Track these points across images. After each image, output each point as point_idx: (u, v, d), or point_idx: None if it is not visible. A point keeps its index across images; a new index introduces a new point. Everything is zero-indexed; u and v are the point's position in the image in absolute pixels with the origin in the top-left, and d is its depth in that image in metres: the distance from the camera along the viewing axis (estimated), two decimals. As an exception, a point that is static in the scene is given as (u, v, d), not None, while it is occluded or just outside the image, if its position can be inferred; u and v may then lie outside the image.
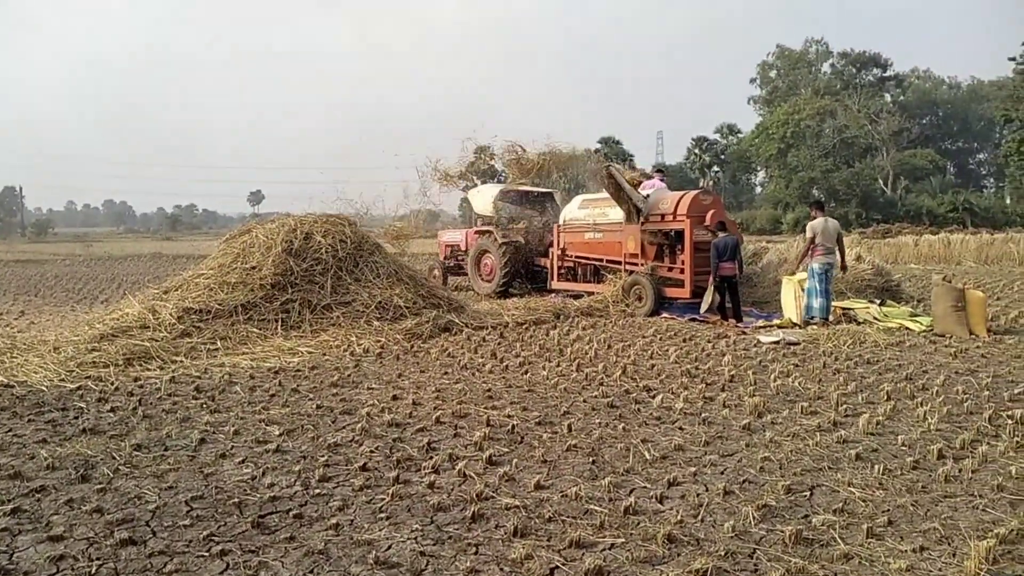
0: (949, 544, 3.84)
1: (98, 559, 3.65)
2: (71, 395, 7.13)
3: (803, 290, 11.47)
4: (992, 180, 77.25)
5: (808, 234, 11.44)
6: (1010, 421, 6.00)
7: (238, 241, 11.38)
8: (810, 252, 11.32)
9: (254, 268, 10.61)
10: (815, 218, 11.56)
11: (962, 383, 7.43)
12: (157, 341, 8.98)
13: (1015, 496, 4.47)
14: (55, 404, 6.78)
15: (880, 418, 6.12)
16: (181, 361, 8.56)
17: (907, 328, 10.84)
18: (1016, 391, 7.07)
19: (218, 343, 9.22)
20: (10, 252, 41.80)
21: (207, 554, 3.71)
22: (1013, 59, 55.72)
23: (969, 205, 53.06)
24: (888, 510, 4.26)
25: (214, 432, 5.84)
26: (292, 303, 10.37)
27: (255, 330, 9.75)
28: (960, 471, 4.88)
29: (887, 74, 71.29)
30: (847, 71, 71.28)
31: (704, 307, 12.22)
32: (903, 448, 5.41)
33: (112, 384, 7.55)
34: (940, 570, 3.56)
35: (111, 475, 4.85)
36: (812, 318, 11.23)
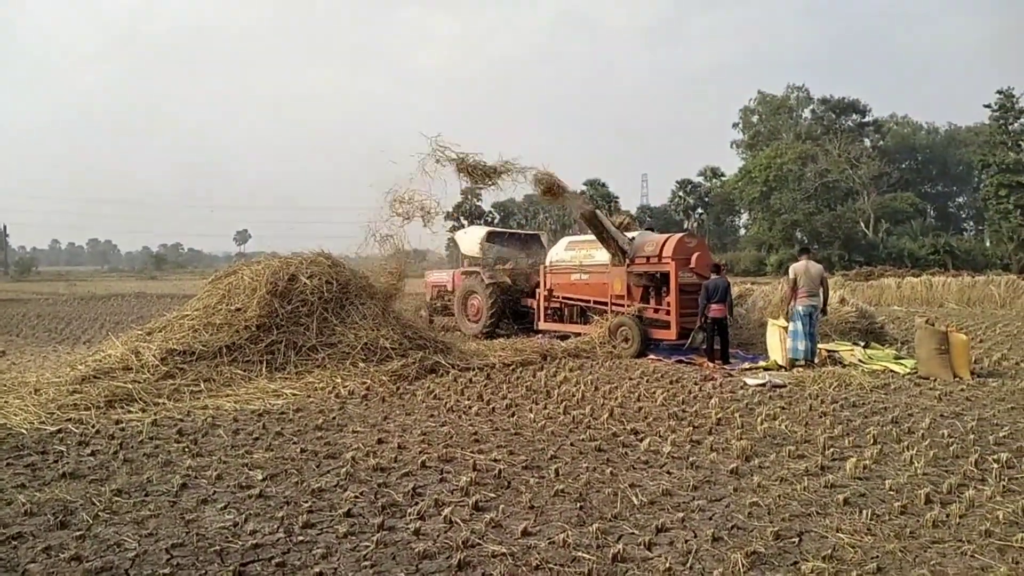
0: (939, 591, 3.82)
1: (75, 610, 3.57)
2: (51, 438, 7.01)
3: (788, 332, 11.53)
4: (972, 223, 78.46)
5: (790, 275, 11.55)
6: (996, 465, 6.02)
7: (223, 282, 11.33)
8: (794, 295, 11.41)
9: (239, 310, 10.55)
10: (798, 261, 11.68)
11: (947, 426, 7.45)
12: (139, 383, 8.87)
13: (1003, 541, 4.46)
14: (35, 447, 6.66)
15: (867, 462, 6.12)
16: (164, 403, 8.45)
17: (892, 371, 10.89)
18: (1001, 434, 7.10)
19: (201, 385, 9.12)
20: (-8, 291, 41.41)
21: (187, 604, 3.63)
22: (988, 106, 57.13)
23: (950, 248, 53.85)
24: (877, 556, 4.24)
25: (196, 477, 5.75)
26: (277, 344, 10.31)
27: (239, 371, 9.67)
28: (948, 516, 4.87)
29: (866, 119, 72.68)
30: (827, 116, 72.60)
31: (687, 344, 12.33)
32: (891, 493, 5.40)
33: (93, 427, 7.43)
34: (930, 618, 3.53)
35: (90, 521, 4.76)
36: (797, 360, 11.28)
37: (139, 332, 10.63)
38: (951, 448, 6.61)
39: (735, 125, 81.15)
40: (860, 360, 11.53)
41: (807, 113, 76.07)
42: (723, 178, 76.02)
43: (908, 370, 10.79)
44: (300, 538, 4.48)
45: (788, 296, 11.64)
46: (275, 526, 4.67)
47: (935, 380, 10.11)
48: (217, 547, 4.31)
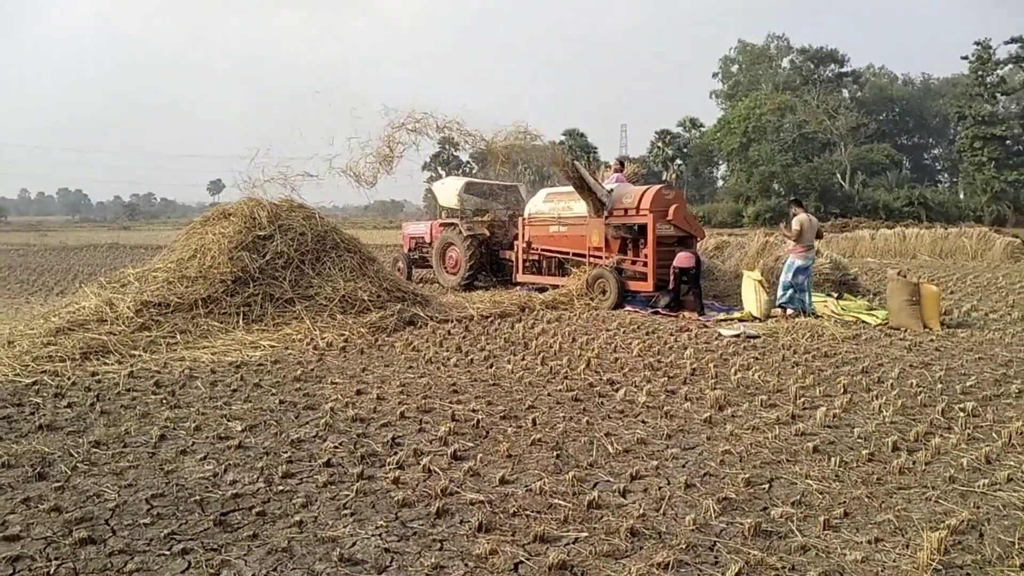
0: (903, 535, 3.95)
1: (57, 559, 3.60)
2: (27, 390, 6.97)
3: (762, 286, 11.66)
4: (946, 175, 79.09)
5: (795, 227, 11.54)
6: (962, 414, 6.18)
7: (195, 237, 11.17)
8: (795, 246, 11.49)
9: (212, 264, 10.43)
10: (796, 214, 11.69)
11: (916, 376, 7.62)
12: (115, 335, 8.81)
13: (966, 487, 4.61)
14: (10, 400, 6.62)
15: (837, 411, 6.26)
16: (140, 355, 8.42)
17: (863, 322, 11.07)
18: (968, 384, 7.27)
19: (178, 337, 9.08)
20: (-40, 242, 40.68)
21: (168, 553, 3.67)
22: (966, 58, 57.28)
23: (924, 200, 54.41)
24: (844, 502, 4.37)
25: (174, 428, 5.76)
26: (254, 297, 10.24)
27: (216, 324, 9.62)
28: (914, 463, 5.02)
29: (844, 70, 72.44)
30: (806, 67, 72.26)
31: (652, 301, 12.66)
32: (859, 440, 5.53)
33: (69, 379, 7.39)
34: (894, 561, 3.66)
35: (69, 473, 4.76)
36: (798, 311, 11.38)
37: (113, 284, 10.52)
38: (919, 397, 6.77)
39: (715, 75, 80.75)
40: (833, 311, 11.71)
41: (786, 63, 75.69)
42: (702, 129, 75.75)
43: (880, 321, 10.98)
44: (280, 487, 4.52)
45: (792, 247, 11.65)
46: (255, 476, 4.71)
47: (906, 331, 10.29)
48: (197, 497, 4.35)
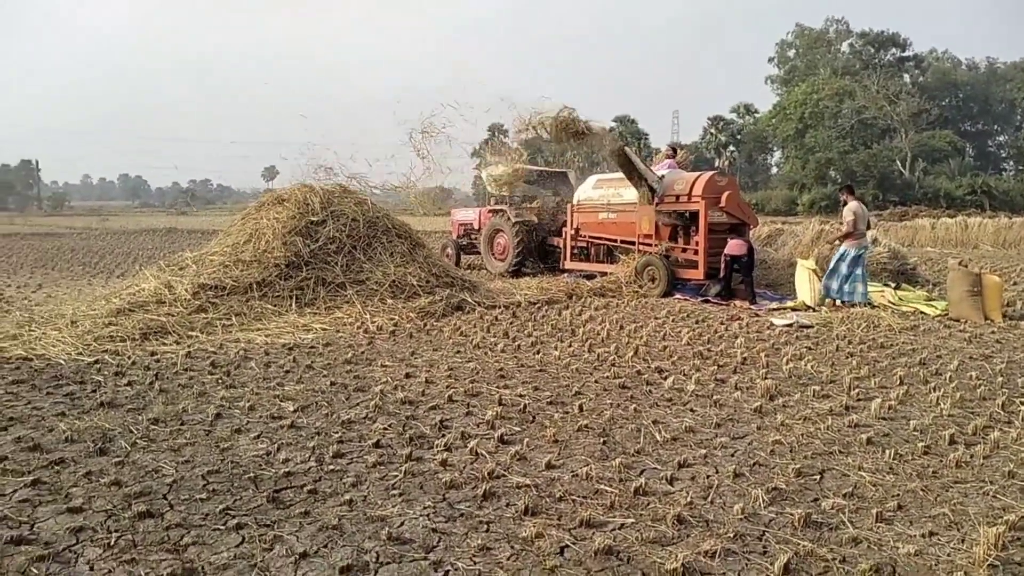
0: (958, 530, 3.85)
1: (116, 531, 3.72)
2: (88, 368, 7.22)
3: (817, 276, 11.43)
4: (1012, 163, 76.17)
5: (849, 217, 11.28)
6: (1023, 407, 5.98)
7: (250, 222, 11.41)
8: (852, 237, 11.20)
9: (266, 249, 10.64)
10: (847, 202, 11.42)
11: (976, 368, 7.40)
12: (173, 316, 9.06)
13: (1026, 483, 4.47)
14: (73, 377, 6.87)
15: (892, 403, 6.12)
16: (197, 336, 8.64)
17: (922, 312, 10.79)
18: (1030, 377, 7.04)
19: (233, 319, 9.29)
20: (27, 225, 42.24)
21: (223, 527, 3.77)
22: (1036, 40, 54.93)
23: (988, 188, 52.48)
24: (898, 495, 4.27)
25: (229, 407, 5.91)
26: (307, 281, 10.44)
27: (270, 306, 9.83)
28: (971, 457, 4.88)
29: (906, 54, 70.16)
30: (866, 51, 70.16)
31: (703, 290, 12.47)
32: (915, 433, 5.41)
33: (129, 358, 7.64)
34: (949, 556, 3.57)
35: (128, 448, 4.92)
36: (854, 302, 11.13)
37: (171, 267, 10.80)
38: (978, 390, 6.58)
39: (771, 60, 78.94)
40: (890, 302, 11.42)
41: (845, 47, 73.59)
42: (756, 115, 74.27)
43: (939, 312, 10.68)
44: (331, 467, 4.61)
45: (845, 235, 11.34)
46: (307, 455, 4.81)
47: (966, 322, 10.00)
48: (251, 474, 4.46)
